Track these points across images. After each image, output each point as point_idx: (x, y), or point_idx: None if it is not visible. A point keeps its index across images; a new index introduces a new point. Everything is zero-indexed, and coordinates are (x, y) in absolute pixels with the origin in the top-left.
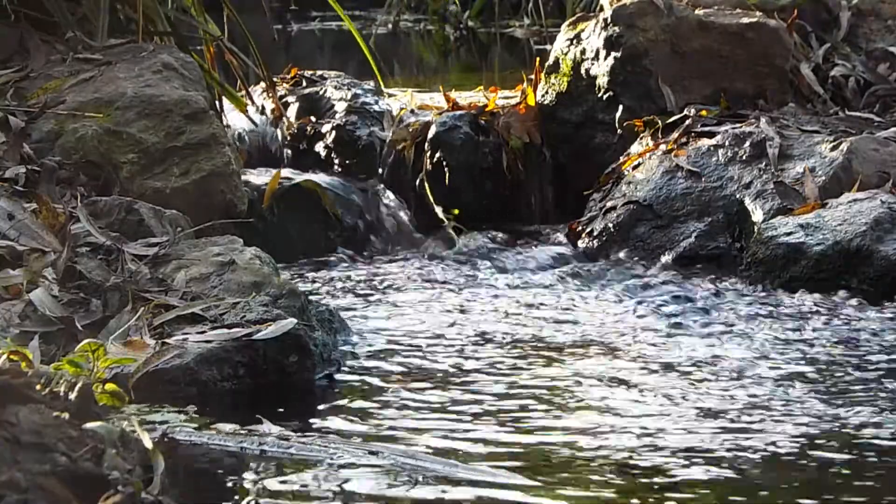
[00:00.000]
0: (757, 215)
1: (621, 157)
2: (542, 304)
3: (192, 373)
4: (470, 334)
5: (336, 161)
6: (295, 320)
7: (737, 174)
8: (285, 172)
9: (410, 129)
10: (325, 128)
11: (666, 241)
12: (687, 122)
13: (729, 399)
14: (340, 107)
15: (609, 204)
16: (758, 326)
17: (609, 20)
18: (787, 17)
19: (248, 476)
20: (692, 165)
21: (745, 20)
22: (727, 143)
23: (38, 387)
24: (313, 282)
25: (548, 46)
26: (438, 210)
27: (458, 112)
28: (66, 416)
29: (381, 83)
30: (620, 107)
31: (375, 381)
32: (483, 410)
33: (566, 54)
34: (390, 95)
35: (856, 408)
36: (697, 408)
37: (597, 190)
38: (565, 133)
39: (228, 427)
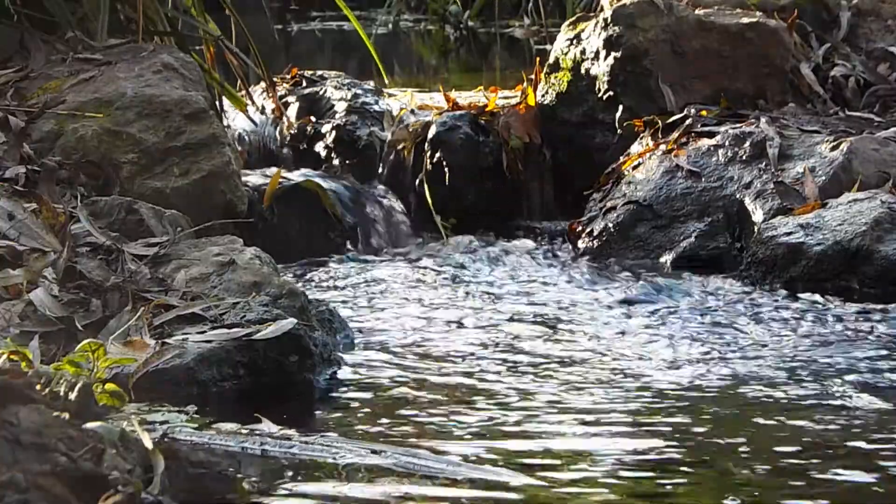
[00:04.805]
0: (757, 215)
1: (621, 157)
2: (542, 304)
3: (192, 373)
4: (470, 334)
5: (336, 161)
6: (295, 320)
7: (737, 174)
8: (285, 173)
9: (410, 129)
10: (325, 128)
11: (666, 241)
12: (687, 122)
13: (731, 400)
14: (340, 107)
15: (609, 204)
16: (758, 327)
17: (609, 20)
18: (787, 17)
19: (249, 476)
20: (692, 165)
21: (745, 20)
22: (727, 143)
23: (38, 387)
24: (313, 282)
25: (548, 46)
26: (437, 219)
27: (458, 112)
28: (66, 416)
29: (385, 78)
30: (620, 107)
31: (376, 380)
32: (484, 409)
33: (566, 54)
34: (390, 95)
35: (855, 407)
36: (699, 409)
37: (597, 190)
38: (565, 133)
39: (229, 427)
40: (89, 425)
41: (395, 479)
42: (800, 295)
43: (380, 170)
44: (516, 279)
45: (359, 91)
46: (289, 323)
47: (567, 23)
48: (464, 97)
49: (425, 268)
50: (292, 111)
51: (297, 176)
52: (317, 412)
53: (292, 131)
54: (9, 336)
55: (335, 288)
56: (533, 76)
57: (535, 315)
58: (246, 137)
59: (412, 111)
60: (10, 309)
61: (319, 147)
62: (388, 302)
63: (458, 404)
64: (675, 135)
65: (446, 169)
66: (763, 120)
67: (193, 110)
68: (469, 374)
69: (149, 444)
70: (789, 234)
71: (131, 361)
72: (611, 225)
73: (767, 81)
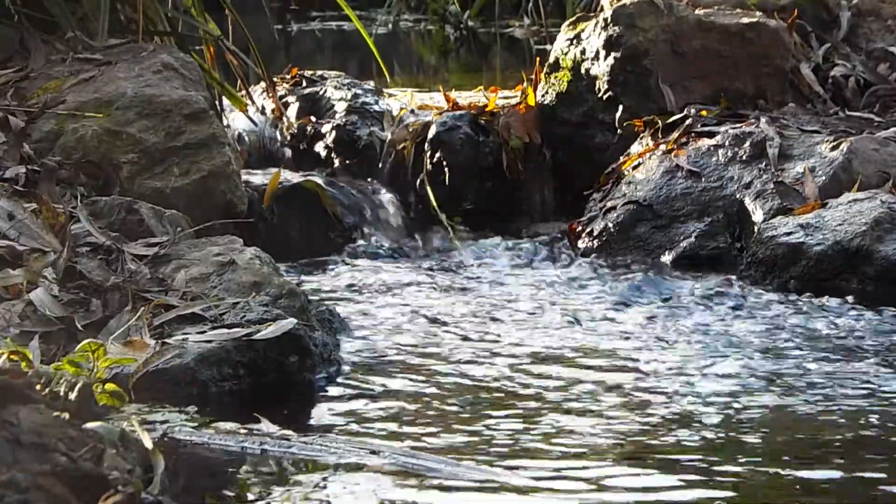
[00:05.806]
0: (757, 215)
1: (621, 157)
2: (542, 305)
3: (192, 373)
4: (469, 334)
5: (336, 161)
6: (295, 320)
7: (737, 174)
8: (285, 173)
9: (410, 129)
10: (325, 128)
11: (666, 241)
12: (687, 122)
13: (730, 401)
14: (340, 107)
15: (609, 204)
16: (758, 327)
17: (609, 20)
18: (787, 17)
19: (249, 476)
20: (692, 165)
21: (745, 20)
22: (727, 143)
23: (38, 387)
24: (313, 282)
25: (548, 46)
26: (442, 217)
27: (458, 112)
28: (66, 416)
29: (387, 77)
30: (620, 107)
31: (376, 380)
32: (484, 410)
33: (566, 54)
34: (390, 95)
35: (854, 408)
36: (699, 411)
37: (597, 190)
38: (565, 133)
39: (229, 427)
40: (89, 425)
41: (395, 479)
42: (800, 295)
43: (380, 169)
44: (516, 279)
45: (359, 91)
46: (289, 323)
47: (567, 23)
48: (464, 97)
49: (425, 268)
50: (292, 111)
51: (296, 176)
52: (317, 412)
53: (292, 131)
54: (9, 336)
55: (335, 288)
56: (533, 76)
57: (535, 316)
58: (246, 137)
59: (412, 111)
60: (10, 309)
61: (319, 147)
62: (389, 302)
63: (457, 404)
64: (675, 135)
65: (446, 169)
66: (763, 120)
67: (193, 110)
68: (468, 374)
69: (149, 444)
70: (789, 234)
71: (131, 361)
72: (611, 225)
73: (767, 81)
